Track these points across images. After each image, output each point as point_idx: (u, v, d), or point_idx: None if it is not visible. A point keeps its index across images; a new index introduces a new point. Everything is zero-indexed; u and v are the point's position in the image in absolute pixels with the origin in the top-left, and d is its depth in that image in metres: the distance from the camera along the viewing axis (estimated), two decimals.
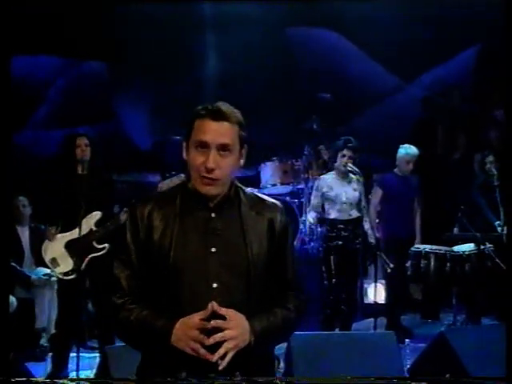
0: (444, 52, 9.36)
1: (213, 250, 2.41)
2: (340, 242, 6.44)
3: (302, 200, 8.42)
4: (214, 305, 2.28)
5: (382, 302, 7.15)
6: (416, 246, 6.71)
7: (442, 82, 9.54)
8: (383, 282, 7.23)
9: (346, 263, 6.42)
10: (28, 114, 9.00)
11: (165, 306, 2.39)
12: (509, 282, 6.22)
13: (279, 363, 2.54)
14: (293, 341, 4.80)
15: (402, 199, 6.99)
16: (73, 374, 5.12)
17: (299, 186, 8.51)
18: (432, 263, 6.54)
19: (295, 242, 8.28)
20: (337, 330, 6.41)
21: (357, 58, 9.73)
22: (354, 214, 6.51)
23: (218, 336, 2.25)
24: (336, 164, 6.53)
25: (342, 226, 6.47)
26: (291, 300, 2.52)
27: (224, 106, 2.45)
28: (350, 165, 6.35)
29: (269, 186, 8.56)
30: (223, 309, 2.29)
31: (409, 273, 6.62)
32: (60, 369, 5.40)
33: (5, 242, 5.88)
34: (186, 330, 2.28)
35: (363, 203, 6.48)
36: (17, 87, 8.68)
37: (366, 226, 6.54)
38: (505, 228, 6.69)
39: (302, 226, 8.30)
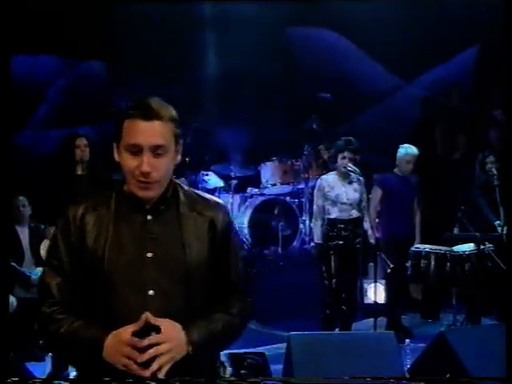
0: (444, 52, 9.36)
1: (149, 255, 2.27)
2: (340, 242, 6.44)
3: (302, 200, 8.44)
4: (147, 316, 2.14)
5: (382, 302, 7.15)
6: (416, 245, 6.71)
7: (442, 81, 9.54)
8: (383, 281, 7.23)
9: (346, 263, 6.43)
10: (28, 113, 9.00)
11: (98, 315, 2.25)
12: (509, 282, 6.23)
13: (225, 368, 2.48)
14: (292, 341, 4.81)
15: (401, 199, 6.98)
16: (73, 374, 5.12)
17: (299, 186, 8.53)
18: (432, 263, 6.53)
19: (295, 243, 8.30)
20: (337, 330, 6.42)
21: (357, 57, 9.74)
22: (355, 213, 6.51)
23: (152, 352, 2.11)
24: (337, 165, 6.53)
25: (342, 226, 6.48)
26: (235, 304, 2.38)
27: (154, 102, 2.29)
28: (350, 165, 6.35)
29: (269, 185, 8.58)
30: (158, 319, 2.16)
31: (409, 273, 6.61)
32: (60, 369, 5.40)
33: (5, 241, 5.87)
34: (117, 346, 2.13)
35: (363, 203, 6.49)
36: (17, 87, 8.68)
37: (366, 225, 6.55)
38: (505, 228, 6.69)
39: (301, 226, 8.32)
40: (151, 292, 2.23)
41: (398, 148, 7.10)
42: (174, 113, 2.32)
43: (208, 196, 2.48)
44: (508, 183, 6.55)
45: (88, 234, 2.30)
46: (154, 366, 2.10)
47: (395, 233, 6.89)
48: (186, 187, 2.44)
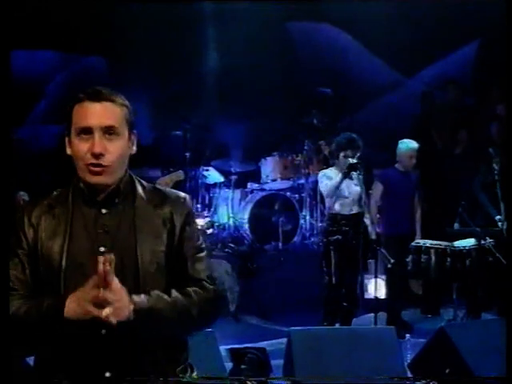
0: (444, 47, 9.37)
1: (101, 249, 2.19)
2: (340, 237, 6.44)
3: (303, 195, 8.44)
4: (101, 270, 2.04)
5: (383, 297, 7.16)
6: (416, 241, 6.70)
7: (443, 76, 9.54)
8: (383, 277, 7.24)
9: (347, 258, 6.43)
10: (28, 109, 9.01)
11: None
12: (509, 277, 6.24)
13: (192, 371, 2.37)
14: (293, 336, 4.82)
15: (403, 195, 6.98)
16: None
17: (300, 181, 8.53)
18: (432, 258, 6.54)
19: (296, 238, 8.31)
20: (337, 325, 6.42)
21: (357, 52, 9.74)
22: (355, 209, 6.51)
23: (109, 309, 2.03)
24: (338, 162, 6.51)
25: (343, 221, 6.48)
26: (192, 289, 2.25)
27: (104, 89, 2.24)
28: (350, 160, 6.34)
29: (269, 181, 8.59)
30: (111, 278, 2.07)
31: (409, 268, 6.61)
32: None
33: (5, 237, 5.88)
34: (79, 302, 2.07)
35: (364, 199, 6.49)
36: (17, 82, 8.68)
37: (367, 221, 6.55)
38: (505, 223, 6.69)
39: (302, 221, 8.33)
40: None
41: (397, 143, 7.09)
42: (126, 101, 2.27)
43: (168, 190, 2.41)
44: (509, 178, 6.56)
45: (45, 235, 2.23)
46: (107, 309, 2.04)
47: (396, 228, 6.89)
48: (144, 182, 2.36)
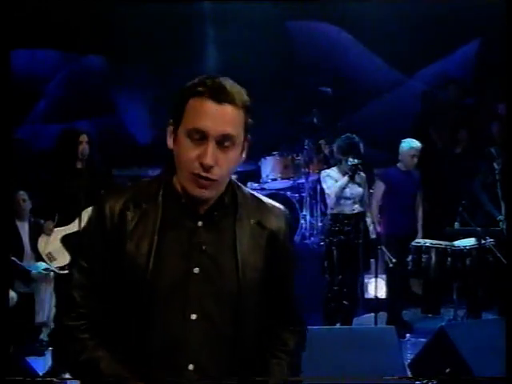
0: (444, 46, 9.37)
1: (195, 270, 1.89)
2: (342, 237, 6.45)
3: (303, 194, 8.44)
4: None
5: (383, 297, 7.16)
6: (417, 240, 6.70)
7: (443, 76, 9.54)
8: (384, 276, 7.24)
9: (348, 258, 6.43)
10: (28, 108, 9.02)
11: (130, 335, 1.88)
12: (510, 277, 6.23)
13: None
14: None
15: (404, 194, 6.97)
16: None
17: (300, 181, 8.52)
18: (433, 258, 6.53)
19: (296, 237, 8.31)
20: (338, 325, 6.42)
21: (357, 51, 9.73)
22: (357, 208, 6.52)
23: None
24: (341, 164, 6.51)
25: (345, 221, 6.48)
26: (291, 339, 2.06)
27: (228, 83, 1.89)
28: (351, 160, 6.35)
29: (269, 180, 8.58)
30: None
31: (410, 267, 6.61)
32: (60, 364, 5.41)
33: (5, 236, 5.88)
34: None
35: (366, 199, 6.49)
36: (17, 81, 8.70)
37: (368, 220, 6.55)
38: (505, 223, 6.69)
39: (302, 221, 8.33)
40: (194, 316, 1.87)
41: (398, 142, 7.09)
42: (247, 98, 1.92)
43: (269, 201, 2.06)
44: (509, 178, 6.56)
45: (128, 236, 1.89)
46: None
47: (397, 227, 6.88)
48: (244, 189, 2.04)
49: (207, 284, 1.88)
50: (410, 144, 6.96)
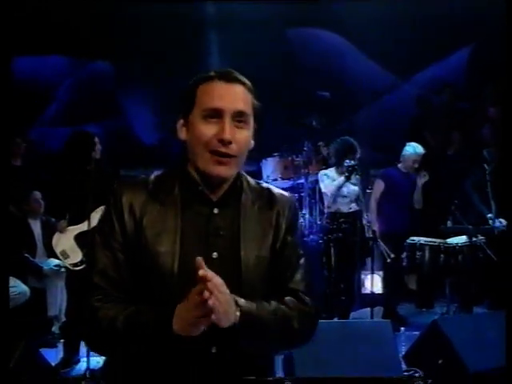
0: (438, 51, 9.41)
1: (214, 255, 1.90)
2: (340, 234, 6.49)
3: (302, 194, 8.47)
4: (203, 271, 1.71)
5: (379, 292, 7.21)
6: (411, 238, 6.73)
7: (437, 80, 9.58)
8: (380, 273, 7.29)
9: (346, 255, 6.47)
10: (39, 111, 9.06)
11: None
12: (500, 273, 6.30)
13: None
14: None
15: (403, 194, 7.00)
16: (84, 360, 5.18)
17: (299, 181, 8.54)
18: (426, 255, 6.56)
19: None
20: (336, 319, 6.47)
21: (354, 57, 9.76)
22: (354, 207, 6.57)
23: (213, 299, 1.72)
24: (338, 166, 6.55)
25: (342, 219, 6.52)
26: (291, 301, 1.97)
27: (234, 71, 1.96)
28: (348, 161, 6.39)
29: (270, 180, 8.60)
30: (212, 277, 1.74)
31: (404, 264, 6.65)
32: (71, 355, 5.47)
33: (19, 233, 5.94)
34: (187, 312, 1.76)
35: (361, 197, 6.54)
36: (28, 86, 8.76)
37: (365, 218, 6.59)
38: (496, 221, 6.74)
39: (302, 220, 8.36)
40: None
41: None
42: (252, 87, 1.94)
43: (273, 188, 2.07)
44: (499, 179, 6.62)
45: (150, 228, 1.87)
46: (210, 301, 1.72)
47: (394, 226, 6.91)
48: (250, 178, 2.04)
49: (224, 268, 1.85)
50: (415, 149, 6.98)
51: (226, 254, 1.90)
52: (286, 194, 2.08)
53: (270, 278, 1.97)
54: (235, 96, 1.88)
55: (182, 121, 1.93)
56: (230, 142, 1.84)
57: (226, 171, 1.89)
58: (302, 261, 2.03)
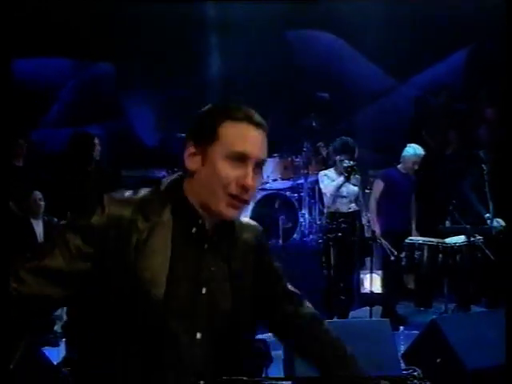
0: (436, 53, 9.43)
1: (203, 290, 1.83)
2: (339, 234, 6.49)
3: (302, 194, 8.48)
4: None
5: (378, 292, 7.21)
6: (410, 238, 6.73)
7: (434, 82, 9.60)
8: (379, 272, 7.29)
9: (345, 254, 6.47)
10: (42, 112, 9.07)
11: (132, 349, 1.74)
12: (498, 273, 6.30)
13: None
14: None
15: (402, 194, 6.98)
16: None
17: (299, 181, 8.56)
18: (425, 254, 6.56)
19: (295, 235, 8.36)
20: (335, 318, 6.47)
21: (353, 58, 9.78)
22: (353, 207, 6.57)
23: None
24: (337, 166, 6.56)
25: (341, 219, 6.52)
26: (315, 314, 2.11)
27: (256, 113, 1.88)
28: (346, 162, 6.39)
29: (270, 180, 8.62)
30: None
31: (403, 263, 6.65)
32: (73, 353, 5.46)
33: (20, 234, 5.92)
34: None
35: (361, 198, 6.54)
36: (32, 88, 8.76)
37: (364, 218, 6.59)
38: (494, 221, 6.75)
39: (301, 220, 8.37)
40: (198, 335, 1.81)
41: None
42: None
43: (246, 220, 2.03)
44: (497, 179, 6.63)
45: (137, 252, 1.75)
46: None
47: (394, 226, 6.89)
48: None
49: (212, 303, 1.83)
50: (415, 151, 6.95)
51: (214, 290, 1.85)
52: (255, 223, 2.06)
53: (253, 307, 1.96)
54: (262, 144, 1.84)
55: (193, 149, 1.81)
56: (251, 187, 1.80)
57: (237, 214, 1.85)
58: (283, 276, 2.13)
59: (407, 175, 7.04)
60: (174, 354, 1.77)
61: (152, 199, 1.82)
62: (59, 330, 6.12)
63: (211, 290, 1.84)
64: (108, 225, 1.75)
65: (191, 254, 1.82)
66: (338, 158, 6.51)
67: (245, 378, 1.89)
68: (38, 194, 6.54)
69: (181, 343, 1.78)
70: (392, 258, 6.46)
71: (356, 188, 6.51)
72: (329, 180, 6.57)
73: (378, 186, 7.00)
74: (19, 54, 8.44)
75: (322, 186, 6.75)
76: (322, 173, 6.79)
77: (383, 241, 6.58)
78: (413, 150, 6.97)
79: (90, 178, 5.43)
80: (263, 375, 4.81)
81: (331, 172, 6.65)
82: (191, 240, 1.83)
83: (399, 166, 7.06)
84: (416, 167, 6.98)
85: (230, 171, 1.77)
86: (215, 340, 1.83)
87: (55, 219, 5.84)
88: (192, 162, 1.81)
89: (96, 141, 5.58)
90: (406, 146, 7.06)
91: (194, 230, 1.83)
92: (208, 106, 1.87)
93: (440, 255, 6.55)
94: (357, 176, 6.53)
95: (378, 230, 6.76)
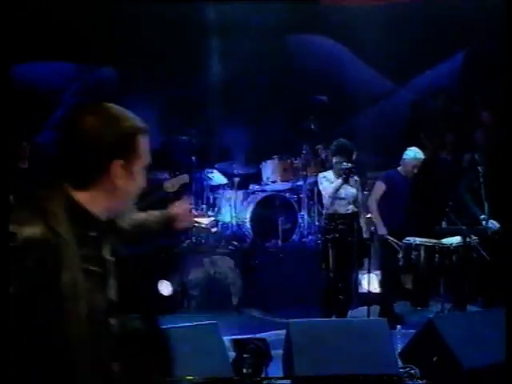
0: (432, 58, 9.45)
1: (112, 298, 1.86)
2: (337, 235, 6.49)
3: (301, 196, 8.50)
4: None
5: (375, 291, 7.22)
6: (407, 238, 6.72)
7: (431, 85, 9.61)
8: (377, 272, 7.29)
9: (343, 255, 6.47)
10: (46, 115, 9.07)
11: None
12: (494, 272, 6.32)
13: None
14: (292, 327, 4.86)
15: (402, 196, 6.96)
16: None
17: (298, 183, 8.58)
18: (422, 255, 6.58)
19: (294, 236, 8.37)
20: (334, 317, 6.47)
21: (351, 63, 9.80)
22: (351, 208, 6.56)
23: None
24: (336, 168, 6.55)
25: (339, 220, 6.52)
26: None
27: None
28: (345, 164, 6.39)
29: (269, 182, 8.65)
30: None
31: (400, 264, 6.66)
32: None
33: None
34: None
35: (359, 200, 6.54)
36: (37, 91, 8.76)
37: (362, 220, 6.59)
38: (489, 222, 6.76)
39: (300, 221, 8.38)
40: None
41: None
42: None
43: None
44: (493, 180, 6.66)
45: (54, 273, 1.64)
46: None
47: (393, 226, 6.89)
48: None
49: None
50: (415, 155, 6.93)
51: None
52: None
53: None
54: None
55: (121, 163, 1.77)
56: None
57: None
58: None
59: (408, 178, 7.02)
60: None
61: (48, 205, 1.73)
62: None
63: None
64: (24, 251, 1.67)
65: (92, 258, 1.76)
66: (335, 160, 6.51)
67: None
68: None
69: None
70: (400, 255, 6.47)
71: (354, 190, 6.51)
72: (327, 182, 6.57)
73: (380, 187, 6.98)
74: (23, 58, 8.45)
75: (320, 187, 6.76)
76: (321, 175, 6.79)
77: (390, 237, 6.61)
78: (413, 153, 6.96)
79: None
80: (263, 373, 4.83)
81: (330, 174, 6.65)
82: (89, 243, 1.76)
83: (399, 168, 7.04)
84: (415, 171, 6.96)
85: (142, 180, 1.85)
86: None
87: None
88: (120, 178, 1.78)
89: None
90: (405, 149, 7.06)
91: (90, 235, 1.78)
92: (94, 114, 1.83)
93: (436, 255, 6.57)
94: (355, 178, 6.54)
95: (382, 229, 6.74)
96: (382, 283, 7.17)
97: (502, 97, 6.03)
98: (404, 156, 6.98)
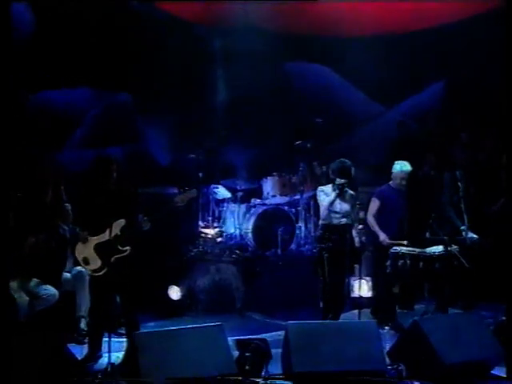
0: (417, 84, 9.54)
1: None
2: (330, 244, 6.50)
3: (299, 209, 8.54)
4: None
5: (366, 296, 7.24)
6: (394, 247, 6.72)
7: (416, 108, 9.69)
8: (367, 278, 7.32)
9: (336, 262, 6.47)
10: (68, 136, 9.14)
11: None
12: (472, 278, 6.37)
13: None
14: (290, 328, 4.90)
15: (395, 209, 6.95)
16: (105, 355, 5.22)
17: (296, 197, 8.62)
18: (407, 262, 6.61)
19: (292, 245, 8.40)
20: (328, 319, 6.48)
21: (345, 88, 9.86)
22: (344, 221, 6.54)
23: None
24: (334, 184, 6.56)
25: (333, 230, 6.52)
26: None
27: None
28: (338, 180, 6.44)
29: (270, 197, 8.69)
30: None
31: (388, 271, 6.69)
32: (95, 350, 5.51)
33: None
34: None
35: (353, 214, 6.53)
36: (60, 114, 8.85)
37: (354, 231, 6.59)
38: (468, 232, 6.81)
39: (298, 231, 8.41)
40: None
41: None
42: None
43: None
44: (471, 196, 6.73)
45: None
46: None
47: (389, 235, 6.86)
48: None
49: None
50: (402, 168, 6.92)
51: None
52: None
53: None
54: None
55: None
56: None
57: None
58: None
59: (399, 191, 7.03)
60: None
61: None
62: (85, 328, 6.07)
63: None
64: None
65: None
66: (335, 178, 6.51)
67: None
68: (68, 206, 6.56)
69: None
70: (388, 263, 6.51)
71: (348, 205, 6.49)
72: (324, 195, 6.60)
73: (375, 203, 6.95)
74: (49, 85, 8.57)
75: (318, 200, 6.78)
76: (319, 188, 6.81)
77: (390, 241, 6.67)
78: (399, 166, 6.95)
79: (110, 194, 5.49)
80: (263, 371, 4.87)
81: (328, 188, 6.67)
82: None
83: (391, 183, 7.05)
84: (404, 183, 6.94)
85: None
86: None
87: (77, 229, 5.85)
88: None
89: (114, 161, 5.62)
90: (393, 164, 7.06)
91: None
92: None
93: (421, 263, 6.61)
94: (351, 192, 6.55)
95: (382, 235, 6.77)
96: (376, 287, 7.18)
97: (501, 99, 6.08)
98: (392, 170, 6.99)
